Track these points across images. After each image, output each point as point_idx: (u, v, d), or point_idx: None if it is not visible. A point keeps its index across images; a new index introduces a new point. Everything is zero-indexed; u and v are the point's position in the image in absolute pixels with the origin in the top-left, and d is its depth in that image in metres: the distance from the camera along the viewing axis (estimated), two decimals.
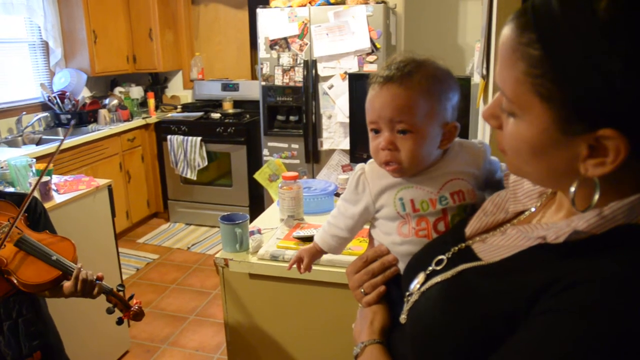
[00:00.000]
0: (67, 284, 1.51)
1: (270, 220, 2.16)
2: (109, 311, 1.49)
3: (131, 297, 1.53)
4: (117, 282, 1.55)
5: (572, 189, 0.66)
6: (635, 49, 0.56)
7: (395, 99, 0.92)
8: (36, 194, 2.33)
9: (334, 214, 1.11)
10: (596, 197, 0.63)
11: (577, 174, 0.64)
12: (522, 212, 0.82)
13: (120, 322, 1.51)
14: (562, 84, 0.60)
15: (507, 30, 0.66)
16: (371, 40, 3.90)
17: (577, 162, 0.63)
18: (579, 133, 0.61)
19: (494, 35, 2.02)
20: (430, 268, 0.83)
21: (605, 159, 0.61)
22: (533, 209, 0.80)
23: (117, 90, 5.27)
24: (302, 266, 1.19)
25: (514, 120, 0.68)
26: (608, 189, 0.64)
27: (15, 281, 1.47)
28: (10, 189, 2.47)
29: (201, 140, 4.82)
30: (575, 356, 0.57)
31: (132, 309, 1.51)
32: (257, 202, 4.86)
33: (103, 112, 4.75)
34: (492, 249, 0.78)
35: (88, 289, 1.49)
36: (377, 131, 0.96)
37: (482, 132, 2.53)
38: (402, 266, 0.98)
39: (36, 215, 1.69)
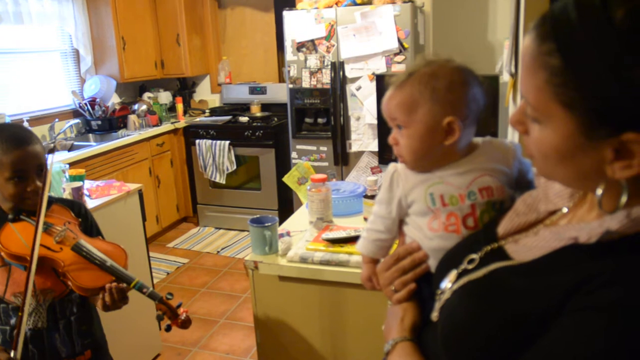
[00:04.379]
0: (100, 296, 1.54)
1: (299, 222, 2.15)
2: (159, 318, 1.53)
3: (179, 306, 1.56)
4: (149, 287, 1.57)
5: (599, 192, 0.67)
6: None
7: (391, 99, 1.01)
8: (69, 198, 2.36)
9: (370, 220, 1.13)
10: (623, 198, 0.64)
11: (605, 176, 0.65)
12: (554, 212, 0.82)
13: (168, 329, 1.56)
14: (583, 92, 0.61)
15: (527, 40, 0.67)
16: (399, 40, 3.86)
17: (604, 165, 0.64)
18: (603, 138, 0.62)
19: (522, 33, 1.98)
20: (462, 266, 0.84)
21: (632, 161, 0.61)
22: (565, 210, 0.80)
23: (146, 95, 5.34)
24: (374, 284, 1.14)
25: (538, 127, 0.69)
26: (639, 189, 0.64)
27: (70, 284, 1.53)
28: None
29: (229, 144, 4.85)
30: (608, 353, 0.58)
31: (180, 317, 1.55)
32: (286, 205, 4.86)
33: (132, 118, 4.82)
34: (524, 249, 0.78)
35: (119, 298, 1.53)
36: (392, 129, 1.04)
37: (512, 131, 2.48)
38: (432, 263, 0.99)
39: (88, 222, 1.76)
